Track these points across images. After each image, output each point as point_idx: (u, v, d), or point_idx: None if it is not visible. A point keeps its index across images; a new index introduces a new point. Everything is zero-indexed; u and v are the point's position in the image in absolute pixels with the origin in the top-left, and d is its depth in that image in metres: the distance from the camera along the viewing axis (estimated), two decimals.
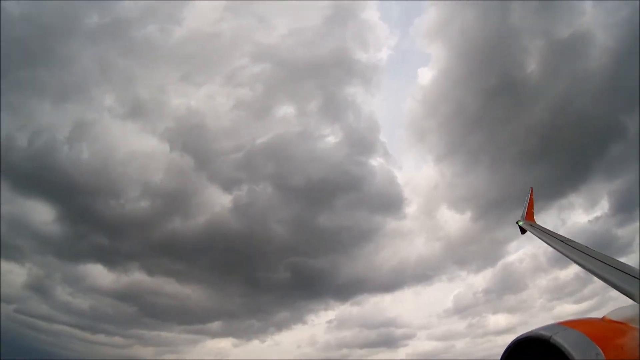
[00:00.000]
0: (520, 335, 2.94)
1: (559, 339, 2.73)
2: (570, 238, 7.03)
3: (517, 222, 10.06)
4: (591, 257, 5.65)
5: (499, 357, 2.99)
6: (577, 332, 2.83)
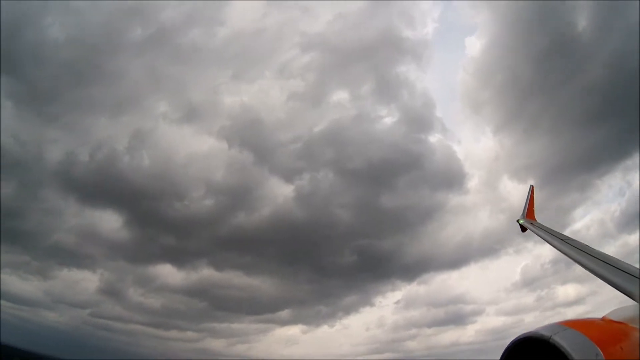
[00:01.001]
0: (520, 335, 2.93)
1: (559, 339, 2.72)
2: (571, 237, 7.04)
3: (517, 221, 10.06)
4: (591, 255, 5.64)
5: (499, 357, 3.00)
6: (576, 333, 2.83)
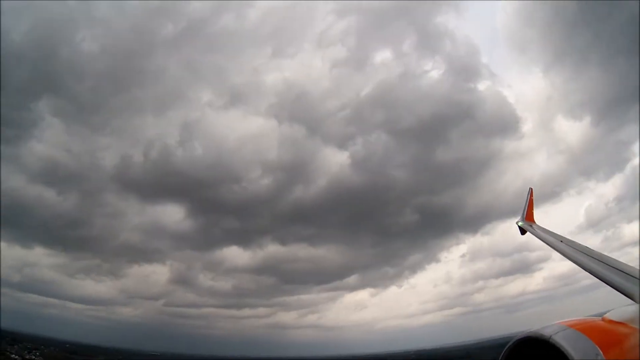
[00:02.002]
0: (520, 335, 2.94)
1: (559, 339, 2.73)
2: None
3: (516, 223, 10.06)
4: (591, 257, 5.65)
5: (499, 357, 3.00)
6: (577, 332, 2.83)
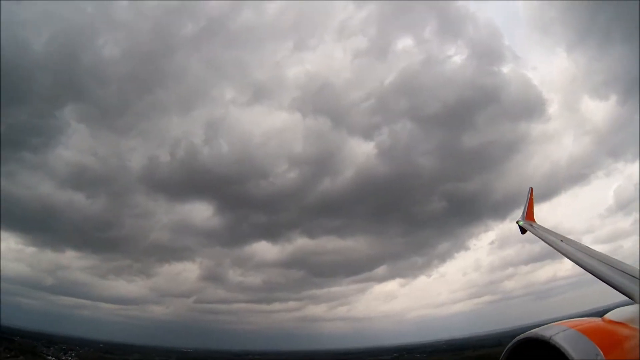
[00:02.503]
0: (520, 336, 2.94)
1: (559, 340, 2.73)
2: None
3: (517, 222, 10.09)
4: (590, 256, 5.65)
5: (499, 358, 3.00)
6: (577, 333, 2.84)
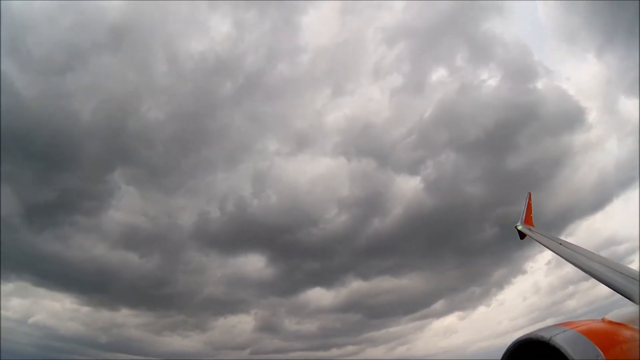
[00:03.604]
0: (520, 337, 2.92)
1: (559, 341, 2.71)
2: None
3: (515, 227, 10.10)
4: (590, 259, 5.67)
5: (499, 359, 2.98)
6: (577, 334, 2.82)
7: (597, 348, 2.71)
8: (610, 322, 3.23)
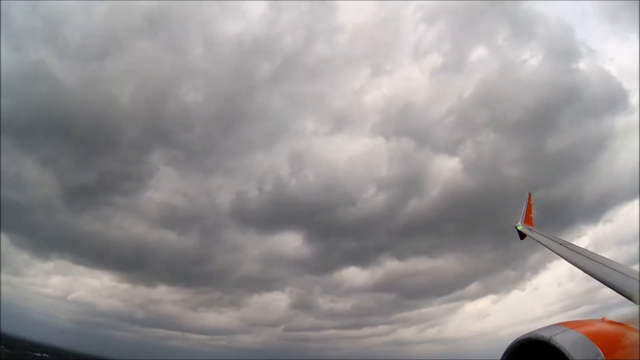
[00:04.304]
0: (520, 336, 2.91)
1: (559, 340, 2.71)
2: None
3: (515, 227, 10.13)
4: (590, 259, 5.70)
5: (499, 359, 2.98)
6: (577, 333, 2.81)
7: (597, 348, 2.71)
8: (610, 322, 3.23)
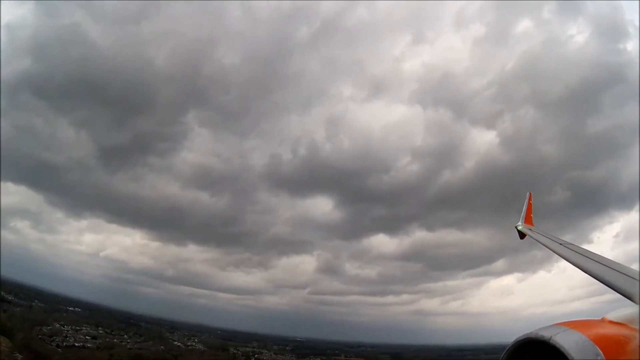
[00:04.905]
0: (520, 337, 2.90)
1: (559, 340, 2.70)
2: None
3: (516, 227, 10.19)
4: (590, 259, 5.70)
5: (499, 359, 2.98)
6: (577, 333, 2.80)
7: (597, 348, 2.70)
8: (610, 322, 3.22)
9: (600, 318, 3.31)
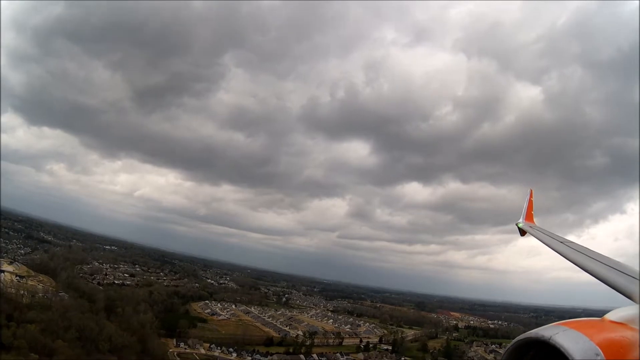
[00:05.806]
0: (520, 336, 2.93)
1: (559, 340, 2.71)
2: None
3: (516, 224, 10.23)
4: (590, 257, 5.71)
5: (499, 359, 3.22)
6: (577, 333, 2.81)
7: (597, 347, 2.70)
8: (610, 322, 3.21)
9: (600, 318, 3.29)
